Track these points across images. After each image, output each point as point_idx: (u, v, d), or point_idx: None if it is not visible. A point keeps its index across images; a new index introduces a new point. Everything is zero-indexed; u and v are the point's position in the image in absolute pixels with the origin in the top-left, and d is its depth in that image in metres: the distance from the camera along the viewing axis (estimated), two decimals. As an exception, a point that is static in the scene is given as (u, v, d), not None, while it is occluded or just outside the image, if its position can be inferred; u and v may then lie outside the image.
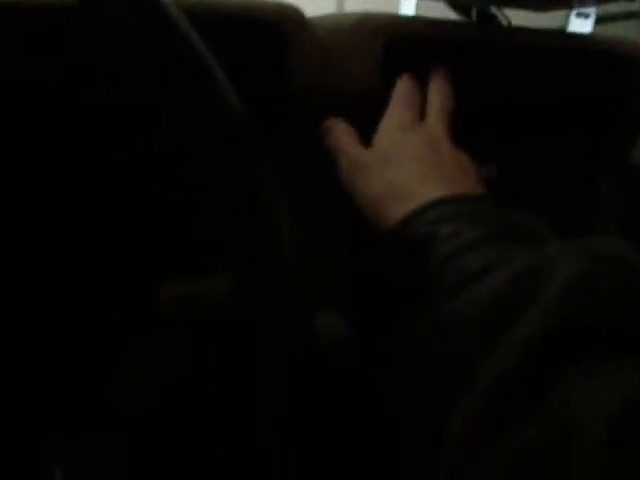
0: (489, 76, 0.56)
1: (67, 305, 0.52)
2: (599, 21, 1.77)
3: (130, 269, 0.52)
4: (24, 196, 0.49)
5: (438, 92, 0.53)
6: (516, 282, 0.34)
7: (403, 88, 0.53)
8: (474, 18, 0.61)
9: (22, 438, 0.53)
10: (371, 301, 0.55)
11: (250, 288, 0.34)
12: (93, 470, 0.55)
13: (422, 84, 0.53)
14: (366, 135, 0.52)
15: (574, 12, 1.67)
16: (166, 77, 0.32)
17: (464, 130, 0.51)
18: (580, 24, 1.70)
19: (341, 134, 0.52)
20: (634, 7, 1.79)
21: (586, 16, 1.71)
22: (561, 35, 0.63)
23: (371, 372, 0.53)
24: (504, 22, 0.61)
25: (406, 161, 0.48)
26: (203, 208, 0.50)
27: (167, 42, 0.31)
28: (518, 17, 0.61)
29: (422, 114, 0.53)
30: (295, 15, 0.50)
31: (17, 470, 0.53)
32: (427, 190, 0.45)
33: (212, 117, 0.33)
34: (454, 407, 0.32)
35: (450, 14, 0.62)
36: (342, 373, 0.53)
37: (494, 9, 0.60)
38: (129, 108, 0.48)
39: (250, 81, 0.42)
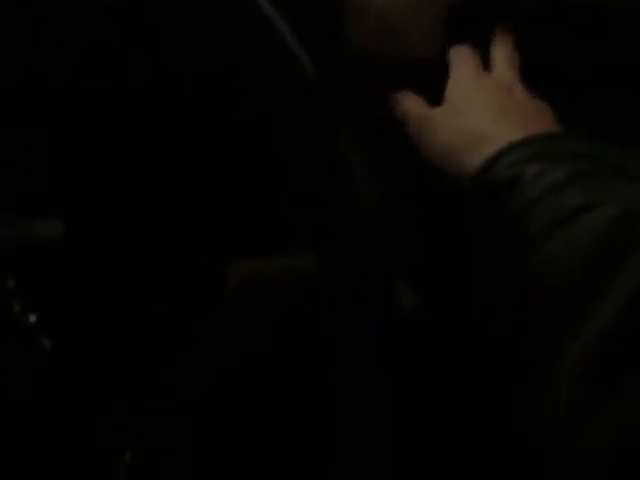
0: (554, 36, 0.54)
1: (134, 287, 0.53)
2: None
3: (202, 246, 0.53)
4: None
5: (503, 46, 0.52)
6: (617, 222, 0.33)
7: (463, 48, 0.52)
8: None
9: (90, 423, 0.55)
10: (450, 260, 0.54)
11: (331, 261, 0.34)
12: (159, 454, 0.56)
13: (484, 48, 0.52)
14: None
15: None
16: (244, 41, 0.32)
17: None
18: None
19: (411, 102, 0.51)
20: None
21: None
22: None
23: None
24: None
25: (479, 107, 0.47)
26: (280, 184, 0.50)
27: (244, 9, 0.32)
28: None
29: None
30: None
31: (87, 455, 0.55)
32: (505, 133, 0.44)
33: (290, 80, 0.33)
34: (558, 362, 0.32)
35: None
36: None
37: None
38: (205, 77, 0.48)
39: (306, 47, 0.43)
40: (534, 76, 0.54)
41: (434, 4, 0.51)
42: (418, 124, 0.49)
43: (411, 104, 0.51)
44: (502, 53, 0.52)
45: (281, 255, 0.53)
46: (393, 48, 0.51)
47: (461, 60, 0.51)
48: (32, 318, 0.43)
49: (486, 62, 0.52)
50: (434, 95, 0.51)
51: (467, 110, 0.47)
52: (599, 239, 0.33)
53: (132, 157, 0.50)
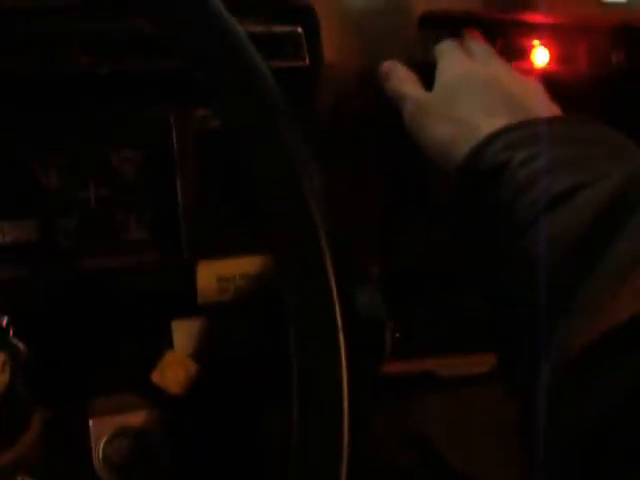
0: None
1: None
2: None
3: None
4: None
5: (475, 42, 0.52)
6: (617, 194, 0.31)
7: (448, 41, 0.51)
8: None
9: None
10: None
11: (290, 265, 0.33)
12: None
13: None
14: None
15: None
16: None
17: None
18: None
19: (403, 78, 0.50)
20: None
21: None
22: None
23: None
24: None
25: (470, 95, 0.45)
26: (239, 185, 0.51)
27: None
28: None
29: None
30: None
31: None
32: (494, 121, 0.41)
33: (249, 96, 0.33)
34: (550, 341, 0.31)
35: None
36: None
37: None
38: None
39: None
40: None
41: (405, 17, 0.53)
42: (416, 117, 0.47)
43: (404, 82, 0.50)
44: (478, 46, 0.51)
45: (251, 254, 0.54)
46: (368, 62, 0.52)
47: (447, 50, 0.51)
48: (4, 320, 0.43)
49: None
50: None
51: (457, 99, 0.46)
52: (598, 210, 0.31)
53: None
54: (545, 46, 0.57)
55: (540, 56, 0.57)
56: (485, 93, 0.45)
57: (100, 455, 0.55)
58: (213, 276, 0.53)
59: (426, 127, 0.46)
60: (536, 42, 0.57)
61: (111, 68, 0.48)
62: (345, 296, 0.30)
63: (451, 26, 0.53)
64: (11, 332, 0.43)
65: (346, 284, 0.30)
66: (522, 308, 0.34)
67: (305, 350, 0.29)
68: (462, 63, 0.49)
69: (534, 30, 0.57)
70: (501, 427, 0.65)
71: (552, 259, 0.32)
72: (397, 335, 0.59)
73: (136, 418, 0.56)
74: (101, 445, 0.55)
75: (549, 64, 0.58)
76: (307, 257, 0.30)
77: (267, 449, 0.60)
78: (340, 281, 0.30)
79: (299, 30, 0.51)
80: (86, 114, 0.51)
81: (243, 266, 0.54)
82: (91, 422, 0.55)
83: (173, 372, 0.55)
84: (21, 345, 0.43)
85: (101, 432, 0.55)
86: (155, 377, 0.55)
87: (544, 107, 0.45)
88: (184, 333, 0.57)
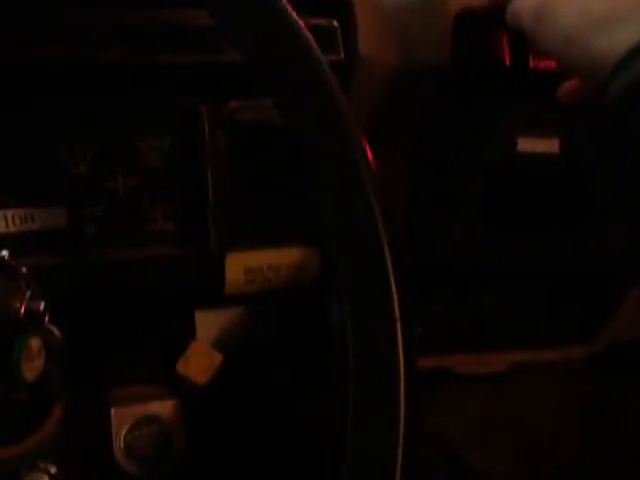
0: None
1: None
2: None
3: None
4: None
5: None
6: None
7: None
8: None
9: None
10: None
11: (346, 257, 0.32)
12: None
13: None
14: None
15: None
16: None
17: None
18: None
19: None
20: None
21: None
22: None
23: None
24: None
25: None
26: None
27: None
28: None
29: None
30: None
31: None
32: None
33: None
34: None
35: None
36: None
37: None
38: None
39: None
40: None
41: (440, 13, 0.53)
42: (533, 12, 0.40)
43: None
44: None
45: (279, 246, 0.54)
46: (403, 57, 0.52)
47: None
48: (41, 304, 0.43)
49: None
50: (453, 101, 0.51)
51: None
52: None
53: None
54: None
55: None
56: None
57: (121, 444, 0.55)
58: (241, 267, 0.53)
59: (551, 21, 0.39)
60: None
61: (145, 58, 0.48)
62: (403, 289, 0.30)
63: (487, 24, 0.53)
64: (47, 318, 0.43)
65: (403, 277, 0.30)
66: None
67: (363, 341, 0.29)
68: None
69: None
70: (516, 425, 0.66)
71: None
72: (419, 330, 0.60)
73: (157, 408, 0.56)
74: (122, 434, 0.55)
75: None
76: (368, 255, 0.30)
77: (288, 439, 0.60)
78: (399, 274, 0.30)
79: (335, 23, 0.51)
80: (117, 103, 0.50)
81: (270, 258, 0.54)
82: (112, 411, 0.55)
83: (198, 362, 0.55)
84: (56, 331, 0.43)
85: (122, 421, 0.55)
86: (180, 367, 0.55)
87: None
88: (207, 323, 0.57)
